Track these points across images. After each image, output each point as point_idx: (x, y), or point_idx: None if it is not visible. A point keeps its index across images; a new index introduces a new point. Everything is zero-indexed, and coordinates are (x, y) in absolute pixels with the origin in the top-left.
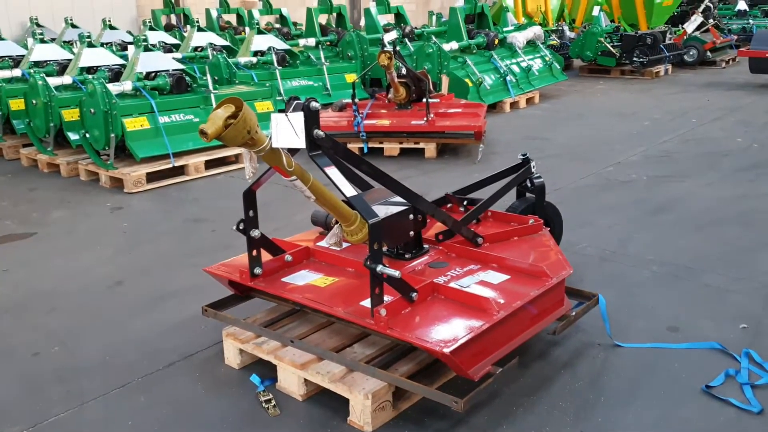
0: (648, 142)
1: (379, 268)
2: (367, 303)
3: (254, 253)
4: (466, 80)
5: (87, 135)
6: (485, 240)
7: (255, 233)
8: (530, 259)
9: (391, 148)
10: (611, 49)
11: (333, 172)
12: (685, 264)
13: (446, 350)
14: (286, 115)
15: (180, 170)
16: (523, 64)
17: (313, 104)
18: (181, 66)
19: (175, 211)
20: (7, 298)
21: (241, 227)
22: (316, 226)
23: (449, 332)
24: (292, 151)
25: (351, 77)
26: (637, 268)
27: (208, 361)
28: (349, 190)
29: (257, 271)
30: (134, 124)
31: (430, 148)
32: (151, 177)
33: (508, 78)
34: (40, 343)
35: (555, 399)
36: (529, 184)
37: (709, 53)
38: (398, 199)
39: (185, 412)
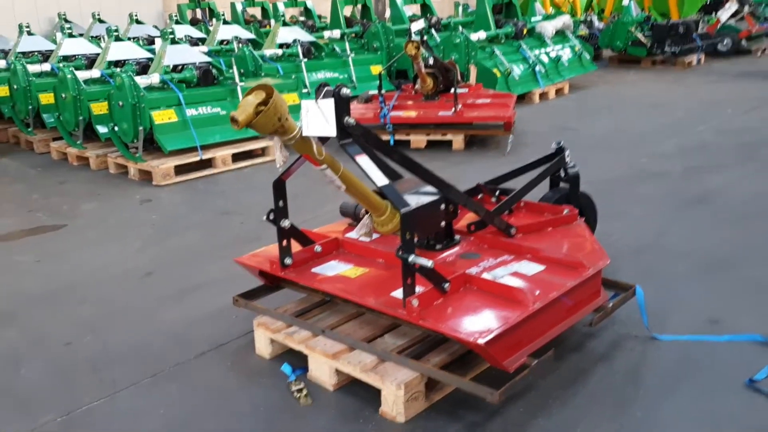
0: (682, 133)
1: (411, 258)
2: (398, 294)
3: (284, 243)
4: (494, 71)
5: (116, 128)
6: (518, 230)
7: (285, 223)
8: (566, 249)
9: (418, 140)
10: (642, 38)
11: (364, 160)
12: (723, 257)
13: (481, 341)
14: (317, 102)
15: (207, 163)
16: (552, 54)
17: (344, 91)
18: (207, 59)
19: (203, 203)
20: (40, 288)
21: (271, 217)
22: (344, 217)
23: (483, 323)
24: (323, 140)
25: (377, 69)
26: (673, 260)
27: (239, 350)
28: (381, 179)
29: (287, 261)
30: (162, 116)
31: (457, 140)
32: (179, 170)
33: (536, 68)
34: (72, 332)
35: (592, 392)
36: (563, 174)
37: (744, 42)
38: (429, 188)
39: (217, 401)
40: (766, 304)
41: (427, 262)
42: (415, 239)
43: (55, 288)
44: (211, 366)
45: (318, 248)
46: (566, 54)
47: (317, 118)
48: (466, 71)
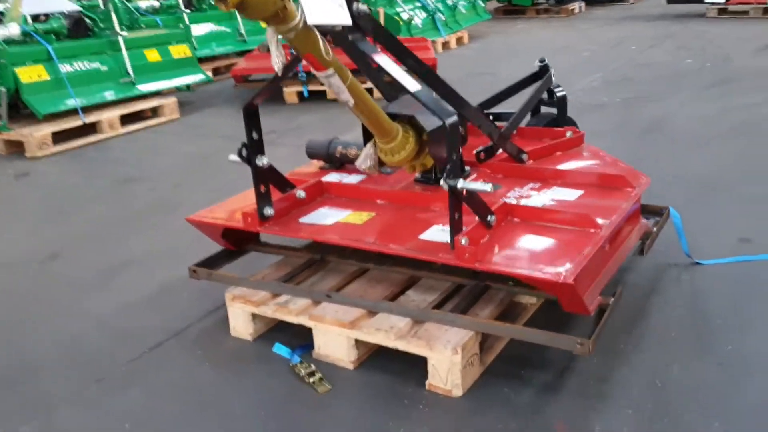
0: (599, 69)
1: (461, 183)
2: (428, 236)
3: (262, 188)
4: (397, 18)
5: None
6: (529, 157)
7: (262, 161)
8: (595, 171)
9: None
10: None
11: (384, 60)
12: (711, 178)
13: (568, 279)
14: None
15: (92, 128)
16: (449, 2)
17: None
18: (76, 7)
19: (96, 172)
20: None
21: (244, 154)
22: (313, 159)
23: (555, 258)
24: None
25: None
26: (665, 185)
27: (207, 335)
28: (412, 83)
29: (268, 212)
30: (29, 74)
31: None
32: (59, 137)
33: (437, 16)
34: None
35: (661, 330)
36: (547, 97)
37: None
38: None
39: (201, 403)
40: None
41: (485, 186)
42: (417, 173)
43: None
44: (176, 359)
45: (301, 194)
46: (462, 2)
47: (323, 3)
48: (375, 15)
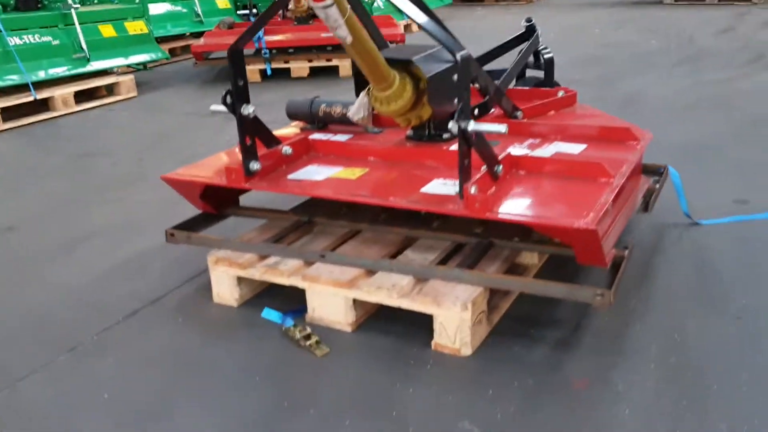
0: (567, 50)
1: (472, 125)
2: (429, 189)
3: (248, 141)
4: None
5: None
6: (523, 115)
7: (247, 110)
8: (595, 126)
9: (300, 67)
10: None
11: None
12: (699, 144)
13: (591, 225)
14: None
15: (45, 106)
16: None
17: None
18: None
19: (51, 149)
20: None
21: (228, 101)
22: (294, 119)
23: (571, 206)
24: None
25: (224, 1)
26: (654, 152)
27: (188, 302)
28: (419, 14)
29: (254, 166)
30: None
31: (345, 66)
32: (9, 115)
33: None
34: None
35: (671, 289)
36: (534, 60)
37: None
38: (438, 54)
39: (190, 368)
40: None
41: (499, 127)
42: (409, 131)
43: None
44: (154, 327)
45: (287, 149)
46: None
47: None
48: None
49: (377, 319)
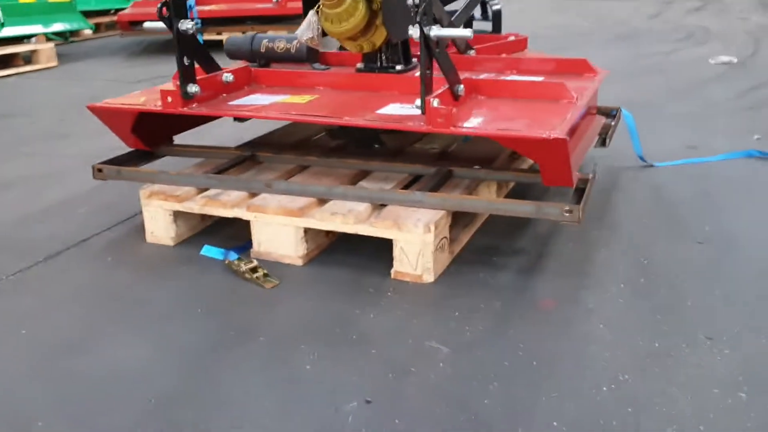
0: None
1: (435, 30)
2: (386, 111)
3: (186, 60)
4: None
5: None
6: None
7: (185, 26)
8: (550, 62)
9: None
10: None
11: None
12: (645, 102)
13: (561, 135)
14: None
15: None
16: None
17: None
18: None
19: None
20: None
21: (165, 14)
22: (234, 58)
23: (537, 121)
24: None
25: None
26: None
27: (117, 243)
28: None
29: (192, 89)
30: None
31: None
32: None
33: None
34: None
35: (632, 219)
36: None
37: None
38: None
39: (121, 304)
40: (722, 129)
41: (464, 32)
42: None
43: None
44: (79, 267)
45: (228, 77)
46: None
47: None
48: None
49: (330, 254)
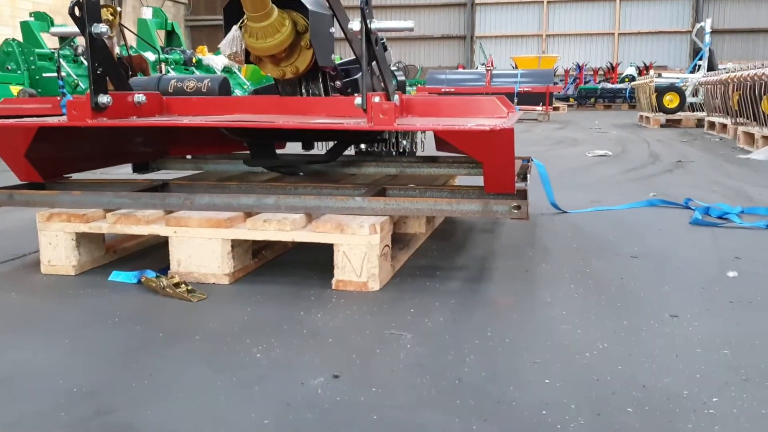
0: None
1: (376, 23)
2: (317, 121)
3: (98, 68)
4: None
5: None
6: None
7: (100, 29)
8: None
9: None
10: None
11: None
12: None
13: (506, 125)
14: None
15: None
16: None
17: None
18: None
19: None
20: None
21: (77, 13)
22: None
23: (478, 120)
24: None
25: (16, 89)
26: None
27: (7, 275)
28: None
29: (104, 99)
30: None
31: None
32: None
33: None
34: None
35: (561, 245)
36: None
37: None
38: None
39: (23, 320)
40: (616, 192)
41: (407, 24)
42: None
43: None
44: None
45: (140, 98)
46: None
47: None
48: None
49: (257, 275)
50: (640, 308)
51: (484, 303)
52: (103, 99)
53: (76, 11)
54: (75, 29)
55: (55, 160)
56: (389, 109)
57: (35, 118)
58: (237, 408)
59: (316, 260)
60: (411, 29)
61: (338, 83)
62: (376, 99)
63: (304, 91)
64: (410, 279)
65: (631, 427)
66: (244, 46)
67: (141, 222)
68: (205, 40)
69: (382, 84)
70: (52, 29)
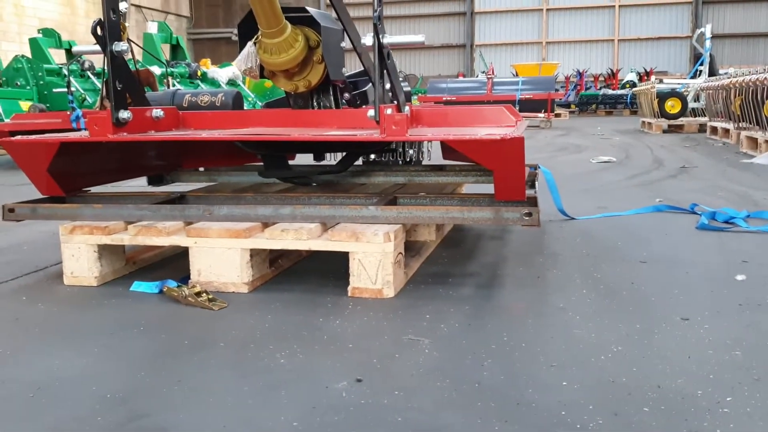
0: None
1: (388, 38)
2: (331, 133)
3: (118, 85)
4: None
5: None
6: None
7: (120, 47)
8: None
9: None
10: None
11: None
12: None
13: (516, 134)
14: None
15: None
16: None
17: None
18: None
19: None
20: None
21: (99, 32)
22: None
23: (485, 131)
24: None
25: (26, 105)
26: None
27: (31, 287)
28: None
29: (124, 115)
30: None
31: None
32: None
33: None
34: None
35: (570, 251)
36: None
37: None
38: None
39: (48, 330)
40: (622, 199)
41: (418, 38)
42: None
43: None
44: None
45: (158, 113)
46: None
47: None
48: None
49: (275, 283)
50: (651, 312)
51: (497, 309)
52: (124, 114)
53: (98, 30)
54: (95, 47)
55: (74, 175)
56: (401, 121)
57: (56, 134)
58: (265, 411)
59: (329, 268)
60: (422, 43)
61: (347, 95)
62: (389, 111)
63: (315, 103)
64: (423, 286)
65: (648, 425)
66: (258, 62)
67: (162, 233)
68: (207, 53)
69: (391, 95)
70: (74, 48)
